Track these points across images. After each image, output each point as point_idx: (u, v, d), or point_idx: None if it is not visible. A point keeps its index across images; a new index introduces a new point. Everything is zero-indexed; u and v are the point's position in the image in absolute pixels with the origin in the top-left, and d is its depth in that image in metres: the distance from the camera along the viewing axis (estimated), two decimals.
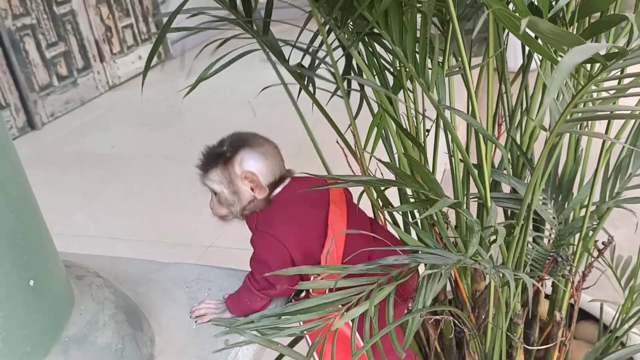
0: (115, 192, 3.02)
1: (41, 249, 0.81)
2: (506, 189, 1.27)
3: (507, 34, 1.20)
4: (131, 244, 2.57)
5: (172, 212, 2.75)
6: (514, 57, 1.16)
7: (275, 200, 1.05)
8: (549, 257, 1.15)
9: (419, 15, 0.97)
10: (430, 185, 0.87)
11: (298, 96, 1.23)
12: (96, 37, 4.32)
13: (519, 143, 1.21)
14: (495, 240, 1.01)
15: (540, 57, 1.09)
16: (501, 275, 0.99)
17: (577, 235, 1.15)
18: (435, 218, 1.09)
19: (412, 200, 1.18)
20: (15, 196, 0.76)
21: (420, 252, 0.89)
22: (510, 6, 0.77)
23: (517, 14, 0.72)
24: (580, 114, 0.72)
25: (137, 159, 3.34)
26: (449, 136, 1.20)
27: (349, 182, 0.89)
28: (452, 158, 1.12)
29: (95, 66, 4.32)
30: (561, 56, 0.77)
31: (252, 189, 1.03)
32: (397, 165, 1.10)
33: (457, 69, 1.07)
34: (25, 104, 3.76)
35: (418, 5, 0.87)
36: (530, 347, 1.18)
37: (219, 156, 1.03)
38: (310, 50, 1.17)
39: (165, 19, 1.05)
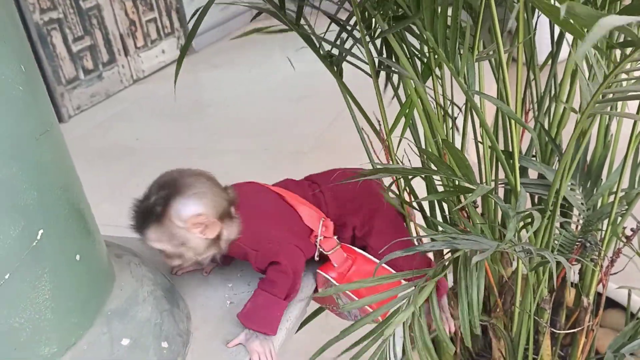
0: (140, 183, 3.06)
1: (86, 226, 0.84)
2: (533, 175, 1.27)
3: (537, 21, 1.20)
4: None
5: None
6: (542, 46, 1.16)
7: (243, 218, 1.00)
8: (577, 243, 1.15)
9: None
10: (463, 172, 0.89)
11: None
12: (121, 31, 4.39)
13: (547, 129, 1.22)
14: (526, 225, 1.02)
15: (570, 45, 1.10)
16: (528, 260, 1.00)
17: (606, 221, 1.16)
18: (464, 203, 1.10)
19: (439, 188, 1.20)
20: (63, 177, 0.79)
21: (456, 238, 0.90)
22: None
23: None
24: (612, 95, 0.72)
25: (161, 151, 3.39)
26: (477, 123, 1.21)
27: (379, 172, 0.90)
28: (481, 144, 1.13)
29: (120, 60, 4.39)
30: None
31: (202, 233, 0.95)
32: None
33: (489, 53, 1.09)
34: (53, 96, 3.83)
35: None
36: (557, 332, 1.19)
37: (149, 213, 0.95)
38: (342, 37, 1.19)
39: (187, 14, 1.07)
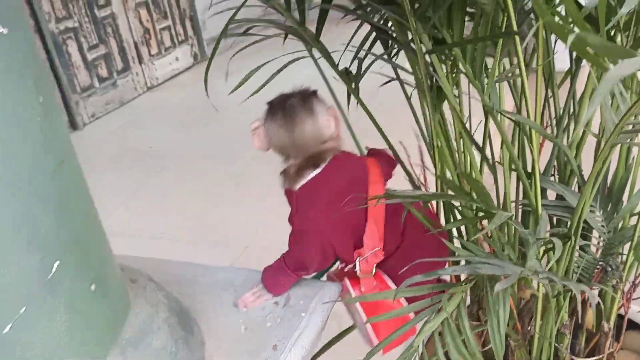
0: (154, 191, 3.08)
1: (101, 255, 0.84)
2: (550, 194, 1.25)
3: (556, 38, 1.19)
4: (170, 242, 2.61)
5: (210, 211, 2.80)
6: (562, 59, 1.15)
7: (314, 180, 1.06)
8: (598, 267, 1.13)
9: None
10: (481, 199, 0.87)
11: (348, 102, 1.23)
12: (135, 39, 4.41)
13: (566, 147, 1.19)
14: (547, 251, 1.00)
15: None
16: (550, 286, 0.98)
17: (627, 245, 1.13)
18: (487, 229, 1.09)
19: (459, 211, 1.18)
20: (81, 206, 0.79)
21: (477, 263, 0.88)
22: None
23: (569, 25, 0.72)
24: (633, 126, 0.70)
25: (175, 158, 3.40)
26: (495, 143, 1.19)
27: (403, 198, 0.89)
28: (501, 165, 1.12)
29: (134, 68, 4.41)
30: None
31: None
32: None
33: (511, 74, 1.07)
34: (68, 104, 3.86)
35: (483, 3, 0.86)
36: (577, 359, 1.17)
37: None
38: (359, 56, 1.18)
39: (201, 22, 1.07)
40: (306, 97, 1.07)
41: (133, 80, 4.40)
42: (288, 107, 1.05)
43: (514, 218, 1.18)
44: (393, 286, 1.10)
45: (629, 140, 0.79)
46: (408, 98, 1.15)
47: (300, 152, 1.05)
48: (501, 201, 1.19)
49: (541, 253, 0.96)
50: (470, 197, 0.90)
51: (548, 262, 1.05)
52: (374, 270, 1.08)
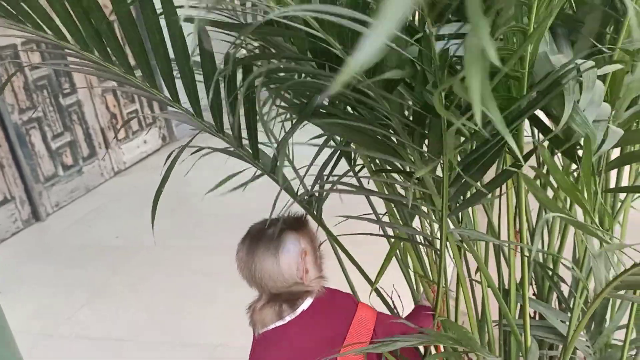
0: (119, 287, 2.95)
1: None
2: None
3: None
4: (137, 345, 2.48)
5: (179, 307, 2.68)
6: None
7: (274, 333, 0.95)
8: None
9: None
10: (465, 343, 0.82)
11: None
12: (102, 125, 4.37)
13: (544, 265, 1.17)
14: None
15: None
16: None
17: None
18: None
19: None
20: None
21: None
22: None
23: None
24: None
25: (142, 249, 3.28)
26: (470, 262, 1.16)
27: (376, 346, 0.83)
28: (478, 283, 1.08)
29: (100, 153, 4.35)
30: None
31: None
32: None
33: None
34: (30, 195, 3.75)
35: None
36: None
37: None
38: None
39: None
40: (282, 230, 0.97)
41: (99, 165, 4.33)
42: (255, 238, 0.99)
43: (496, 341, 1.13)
44: None
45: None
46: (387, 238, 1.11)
47: (262, 291, 0.98)
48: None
49: None
50: (454, 339, 0.85)
51: None
52: None
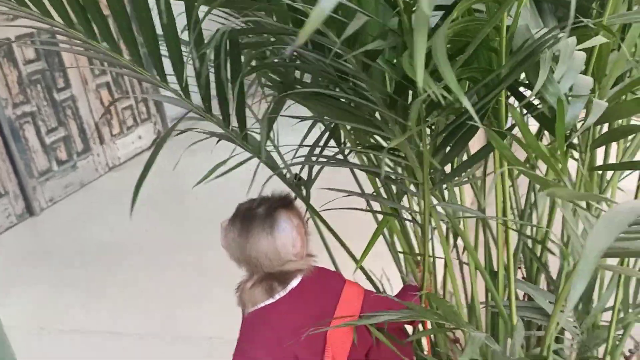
0: (115, 283, 2.94)
1: None
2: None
3: None
4: (134, 339, 2.47)
5: (174, 302, 2.67)
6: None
7: (265, 311, 0.96)
8: None
9: None
10: (451, 318, 0.82)
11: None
12: (96, 120, 4.36)
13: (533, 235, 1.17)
14: None
15: None
16: None
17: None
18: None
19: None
20: None
21: None
22: None
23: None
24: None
25: (136, 246, 3.27)
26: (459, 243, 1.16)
27: (367, 321, 0.84)
28: (466, 264, 1.08)
29: (95, 149, 4.34)
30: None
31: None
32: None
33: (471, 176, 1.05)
34: (24, 190, 3.74)
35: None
36: None
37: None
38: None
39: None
40: (273, 209, 0.98)
41: (94, 161, 4.32)
42: (247, 218, 0.99)
43: (484, 324, 1.13)
44: None
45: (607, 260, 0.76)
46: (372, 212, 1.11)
47: (255, 270, 0.98)
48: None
49: None
50: (439, 315, 0.86)
51: None
52: None
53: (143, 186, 1.05)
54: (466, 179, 1.05)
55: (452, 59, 0.71)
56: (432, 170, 0.86)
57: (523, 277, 1.23)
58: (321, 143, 1.09)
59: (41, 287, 2.95)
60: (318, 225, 1.12)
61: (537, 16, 0.86)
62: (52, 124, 3.99)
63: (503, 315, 0.99)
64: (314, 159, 1.08)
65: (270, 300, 0.96)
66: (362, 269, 1.12)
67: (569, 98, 0.74)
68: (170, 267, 2.97)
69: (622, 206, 0.51)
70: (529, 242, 1.17)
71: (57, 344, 2.49)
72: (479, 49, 0.69)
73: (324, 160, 0.98)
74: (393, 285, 1.25)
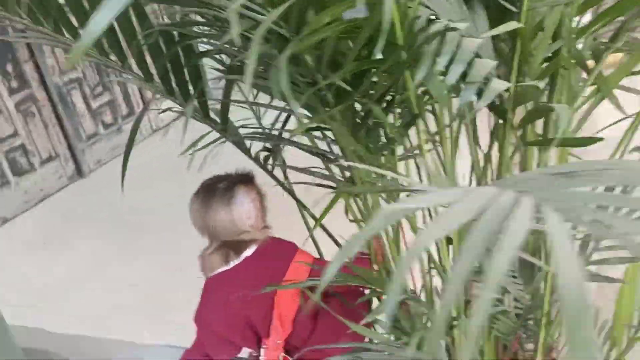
0: (151, 247, 3.12)
1: None
2: None
3: None
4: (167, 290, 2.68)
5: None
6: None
7: (221, 276, 1.08)
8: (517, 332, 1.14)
9: None
10: (372, 280, 0.91)
11: None
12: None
13: None
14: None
15: None
16: None
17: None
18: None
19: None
20: None
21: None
22: None
23: None
24: None
25: (171, 210, 3.44)
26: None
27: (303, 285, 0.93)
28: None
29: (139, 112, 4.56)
30: None
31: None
32: None
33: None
34: (74, 153, 4.01)
35: None
36: None
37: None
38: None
39: None
40: (233, 184, 1.11)
41: None
42: (209, 192, 1.11)
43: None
44: None
45: None
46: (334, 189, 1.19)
47: (214, 239, 1.10)
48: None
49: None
50: (362, 279, 0.95)
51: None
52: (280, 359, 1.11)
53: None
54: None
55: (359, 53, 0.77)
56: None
57: None
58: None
59: (85, 245, 3.22)
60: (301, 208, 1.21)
61: (461, 5, 0.90)
62: (97, 89, 4.22)
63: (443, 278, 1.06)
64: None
65: (225, 267, 1.08)
66: (322, 226, 1.21)
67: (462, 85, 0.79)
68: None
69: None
70: None
71: (92, 298, 2.73)
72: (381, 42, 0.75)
73: (275, 137, 1.07)
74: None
